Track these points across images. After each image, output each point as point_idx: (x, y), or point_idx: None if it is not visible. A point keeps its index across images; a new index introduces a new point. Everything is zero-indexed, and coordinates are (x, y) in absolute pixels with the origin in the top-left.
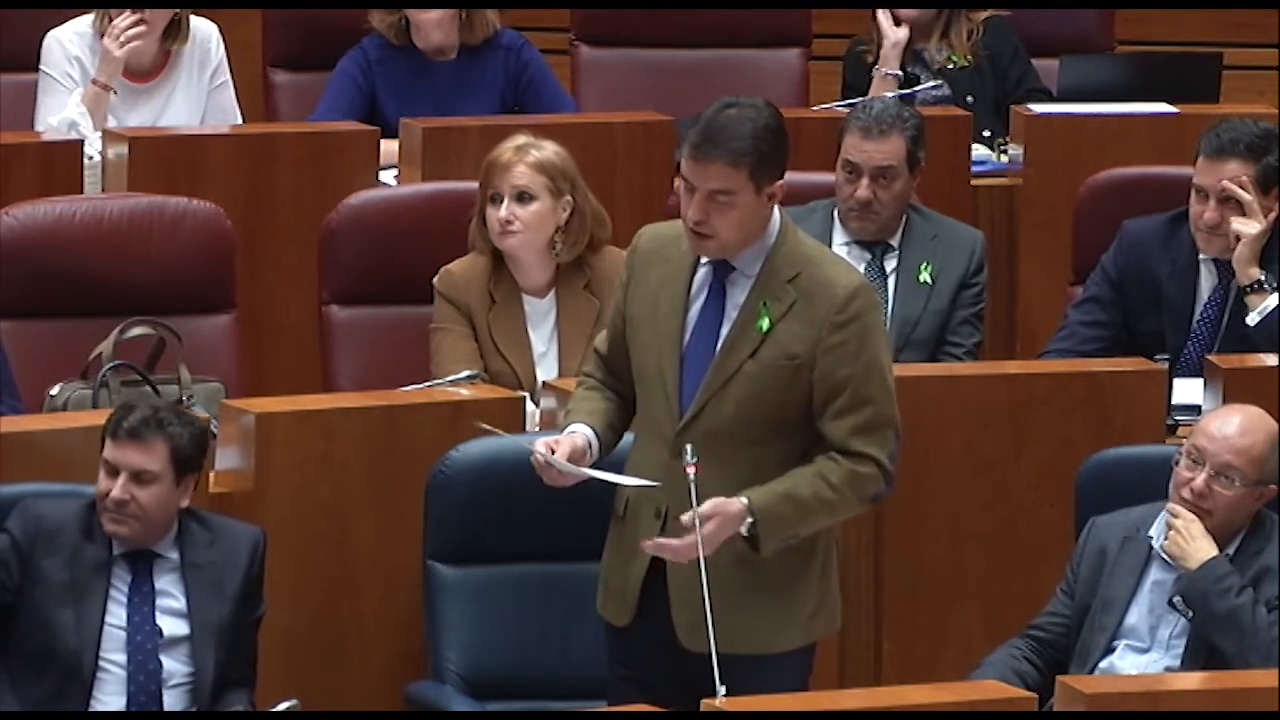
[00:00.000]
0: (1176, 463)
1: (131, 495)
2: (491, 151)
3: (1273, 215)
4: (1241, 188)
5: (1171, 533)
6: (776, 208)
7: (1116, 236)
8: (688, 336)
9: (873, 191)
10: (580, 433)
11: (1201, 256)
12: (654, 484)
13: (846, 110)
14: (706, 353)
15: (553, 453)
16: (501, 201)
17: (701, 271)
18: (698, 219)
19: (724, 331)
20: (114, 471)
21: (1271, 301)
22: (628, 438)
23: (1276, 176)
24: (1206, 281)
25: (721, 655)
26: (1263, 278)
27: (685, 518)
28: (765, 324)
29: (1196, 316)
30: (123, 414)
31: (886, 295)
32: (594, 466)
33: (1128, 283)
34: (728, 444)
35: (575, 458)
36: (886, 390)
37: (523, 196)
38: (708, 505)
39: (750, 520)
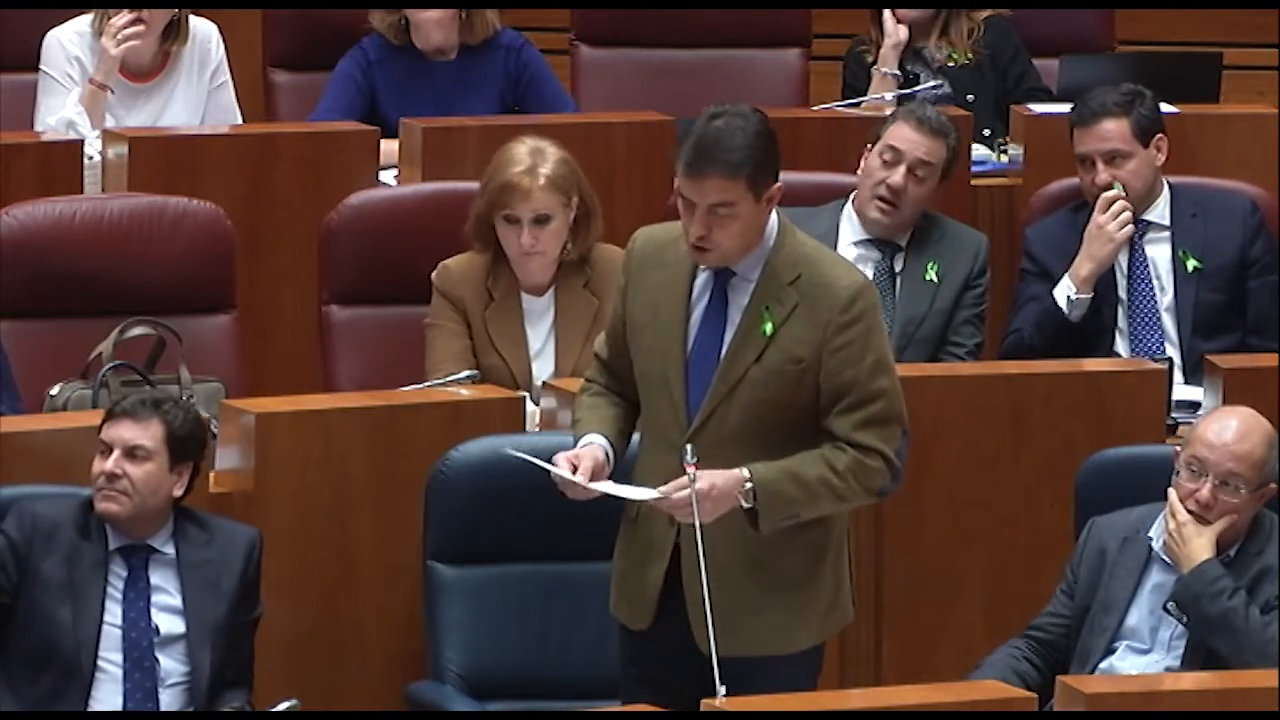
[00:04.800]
0: (1177, 473)
1: (124, 470)
2: (500, 166)
3: (1161, 159)
4: (1123, 141)
5: (1169, 534)
6: (774, 210)
7: (1024, 244)
8: (691, 343)
9: (905, 182)
10: (598, 444)
11: None
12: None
13: (846, 109)
14: (711, 359)
15: (574, 469)
16: (517, 223)
17: (701, 276)
18: (700, 234)
19: (728, 337)
20: (108, 451)
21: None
22: (634, 439)
23: (1153, 124)
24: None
25: (739, 657)
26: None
27: (669, 486)
28: (769, 328)
29: (1125, 288)
30: (119, 399)
31: (894, 294)
32: (610, 475)
33: (1052, 269)
34: (736, 449)
35: (596, 471)
36: (892, 387)
37: (540, 219)
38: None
39: (749, 488)
